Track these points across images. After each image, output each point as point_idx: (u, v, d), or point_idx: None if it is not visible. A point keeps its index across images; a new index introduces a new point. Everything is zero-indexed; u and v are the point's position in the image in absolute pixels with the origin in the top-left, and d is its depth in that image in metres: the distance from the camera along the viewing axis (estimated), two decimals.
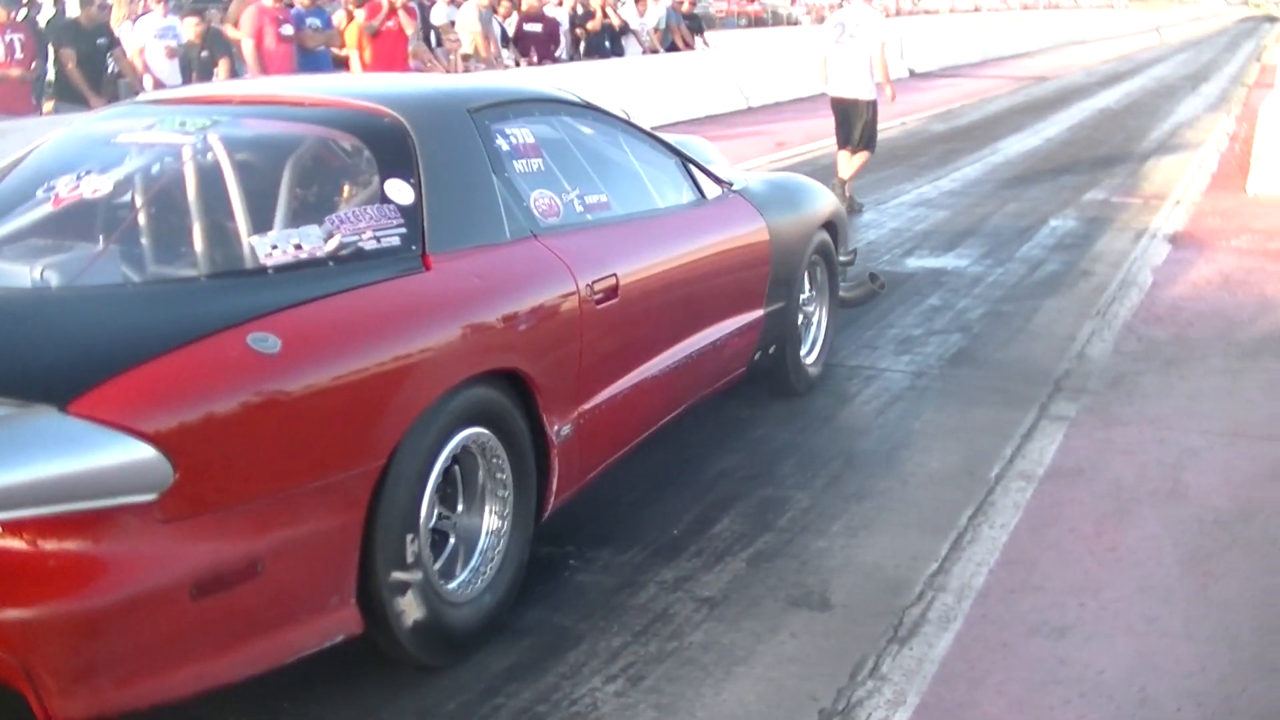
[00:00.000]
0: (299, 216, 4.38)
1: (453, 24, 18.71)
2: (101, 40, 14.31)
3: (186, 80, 14.60)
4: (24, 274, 4.05)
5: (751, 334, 6.29)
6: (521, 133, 5.08)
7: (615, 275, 4.99)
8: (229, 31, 15.35)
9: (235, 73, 14.68)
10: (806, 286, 7.07)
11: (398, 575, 3.95)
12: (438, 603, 4.15)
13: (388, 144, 4.55)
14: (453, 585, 4.30)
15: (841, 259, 7.61)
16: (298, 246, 4.09)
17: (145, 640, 3.41)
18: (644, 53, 21.68)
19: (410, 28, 16.61)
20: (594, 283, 4.85)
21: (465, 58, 18.13)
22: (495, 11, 19.07)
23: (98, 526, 3.31)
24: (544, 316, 4.60)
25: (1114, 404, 6.83)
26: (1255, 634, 4.47)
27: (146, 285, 4.19)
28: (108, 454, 3.26)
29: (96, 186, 4.52)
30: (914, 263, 10.36)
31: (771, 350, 6.59)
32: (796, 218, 6.84)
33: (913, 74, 33.46)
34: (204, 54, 14.34)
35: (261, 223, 4.29)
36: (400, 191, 4.38)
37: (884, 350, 7.86)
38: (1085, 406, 6.78)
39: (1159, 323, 8.42)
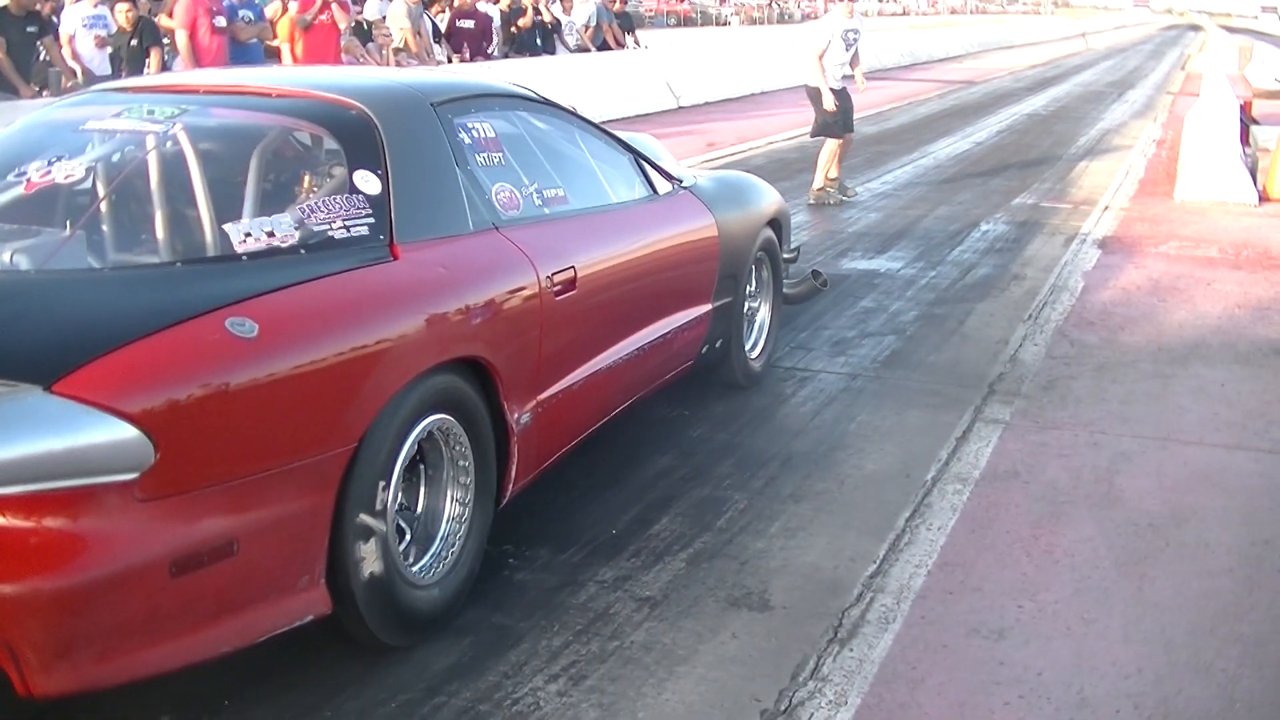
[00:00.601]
0: (269, 205, 4.49)
1: (384, 19, 18.62)
2: (32, 28, 14.16)
3: (116, 70, 14.46)
4: (6, 256, 4.17)
5: (700, 328, 6.41)
6: (482, 127, 5.19)
7: (574, 268, 5.11)
8: (163, 21, 15.22)
9: (166, 64, 14.54)
10: (752, 282, 7.20)
11: (365, 518, 4.04)
12: (402, 584, 4.22)
13: (355, 136, 4.63)
14: (416, 568, 4.38)
15: (785, 256, 7.78)
16: (270, 234, 4.18)
17: (125, 617, 3.47)
18: (575, 50, 21.66)
19: (343, 21, 16.50)
20: (553, 275, 4.96)
21: (396, 52, 18.04)
22: (427, 8, 18.99)
23: (79, 504, 3.36)
24: (506, 306, 4.70)
25: (1047, 408, 6.89)
26: (1190, 635, 4.52)
27: (123, 270, 4.28)
28: (90, 433, 3.33)
29: (68, 172, 4.58)
30: (847, 264, 10.41)
31: (718, 344, 6.70)
32: (743, 214, 6.98)
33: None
34: (134, 42, 14.18)
35: (233, 210, 4.40)
36: (368, 182, 4.46)
37: (819, 352, 7.88)
38: (1019, 410, 6.83)
39: (1090, 327, 8.49)
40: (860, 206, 13.24)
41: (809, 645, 4.38)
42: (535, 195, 5.27)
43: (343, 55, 16.79)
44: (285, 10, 16.59)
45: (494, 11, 20.90)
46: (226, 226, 4.23)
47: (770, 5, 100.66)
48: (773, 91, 27.12)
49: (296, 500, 3.83)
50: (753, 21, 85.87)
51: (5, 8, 14.32)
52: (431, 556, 4.48)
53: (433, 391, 4.31)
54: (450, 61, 18.88)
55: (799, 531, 5.28)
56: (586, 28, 21.92)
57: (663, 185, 6.40)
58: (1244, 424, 6.73)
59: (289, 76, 6.36)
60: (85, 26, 14.94)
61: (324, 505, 3.91)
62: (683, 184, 6.62)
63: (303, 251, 4.18)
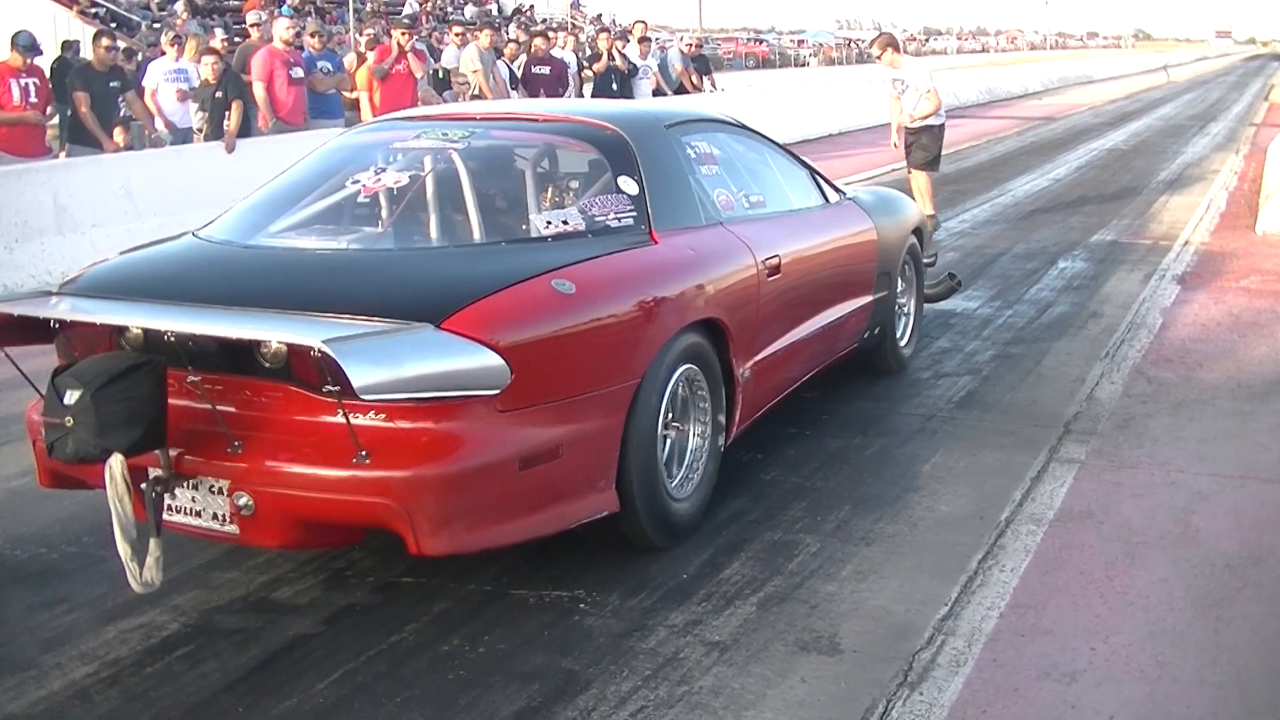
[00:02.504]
0: (556, 201, 6.10)
1: (459, 67, 18.79)
2: (114, 83, 14.41)
3: (197, 124, 14.69)
4: (372, 239, 5.62)
5: (863, 315, 7.60)
6: (701, 144, 6.54)
7: (779, 256, 6.37)
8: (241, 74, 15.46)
9: (247, 115, 14.74)
10: (900, 281, 8.34)
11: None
12: (664, 494, 5.39)
13: (615, 150, 5.97)
14: (673, 484, 5.52)
15: (925, 260, 9.07)
16: (565, 222, 5.61)
17: (487, 498, 4.64)
18: (653, 94, 21.74)
19: (419, 71, 16.70)
20: (765, 260, 6.22)
21: (472, 99, 18.20)
22: (501, 54, 19.13)
23: (458, 412, 4.56)
24: (735, 282, 5.95)
25: (1123, 446, 6.82)
26: (1267, 679, 4.46)
27: (465, 247, 5.56)
28: (468, 359, 4.53)
29: (396, 178, 5.84)
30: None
31: (876, 331, 7.90)
32: (895, 222, 8.22)
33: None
34: (219, 94, 14.40)
35: (533, 205, 5.92)
36: (629, 185, 5.79)
37: (893, 394, 7.85)
38: (1095, 449, 6.77)
39: (1168, 364, 8.41)
40: (937, 245, 13.20)
41: (878, 689, 4.35)
42: (744, 199, 6.62)
43: (419, 104, 16.97)
44: (363, 61, 16.82)
45: (569, 57, 21.03)
46: (533, 216, 5.79)
47: (849, 45, 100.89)
48: (850, 131, 27.14)
49: (600, 419, 5.02)
50: (831, 62, 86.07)
51: (89, 64, 14.61)
52: (682, 476, 5.62)
53: (685, 345, 5.48)
54: None
55: (870, 574, 5.25)
56: (655, 73, 21.94)
57: (833, 195, 7.70)
58: None
59: (547, 106, 8.37)
60: (167, 80, 15.23)
61: (617, 425, 5.09)
62: (846, 196, 7.88)
63: (589, 235, 5.52)
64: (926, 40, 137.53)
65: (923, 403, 7.65)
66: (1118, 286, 11.13)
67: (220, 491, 4.63)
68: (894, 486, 6.29)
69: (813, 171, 7.67)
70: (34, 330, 4.86)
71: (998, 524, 5.78)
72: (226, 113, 14.33)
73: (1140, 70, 73.37)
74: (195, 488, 4.68)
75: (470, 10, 44.19)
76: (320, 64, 16.02)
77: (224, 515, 4.66)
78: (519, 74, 19.36)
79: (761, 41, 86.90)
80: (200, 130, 14.75)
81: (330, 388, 4.35)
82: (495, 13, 45.94)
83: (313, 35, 16.36)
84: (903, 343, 8.44)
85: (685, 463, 5.67)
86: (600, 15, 55.71)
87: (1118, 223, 15.05)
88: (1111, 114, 36.71)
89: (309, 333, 4.31)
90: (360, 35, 20.50)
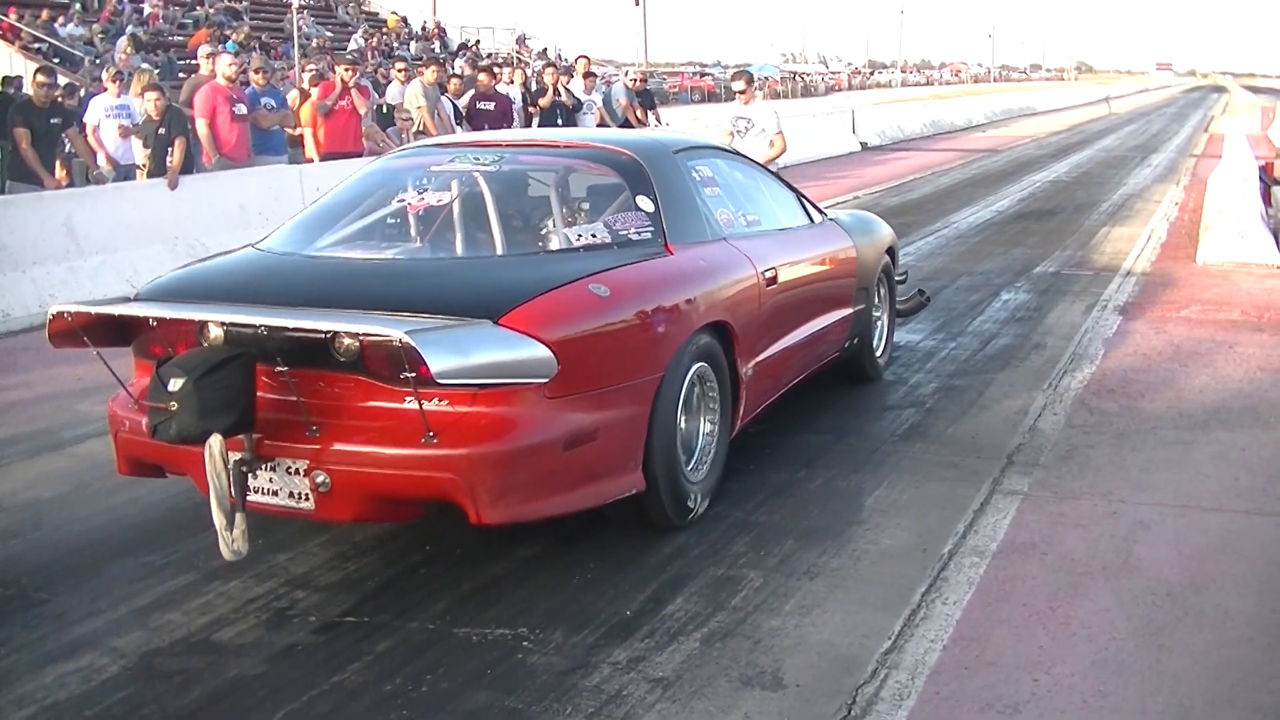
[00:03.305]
0: (581, 218, 6.69)
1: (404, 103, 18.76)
2: (55, 120, 14.33)
3: (140, 160, 14.62)
4: (421, 250, 6.40)
5: (845, 326, 8.28)
6: (703, 168, 7.24)
7: (775, 269, 7.07)
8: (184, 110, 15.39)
9: (190, 152, 14.66)
10: (876, 296, 9.06)
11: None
12: (681, 477, 6.02)
13: (632, 173, 6.66)
14: (688, 469, 6.15)
15: (896, 277, 9.75)
16: (593, 235, 6.29)
17: (537, 474, 5.28)
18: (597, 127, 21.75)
19: (363, 107, 16.67)
20: (764, 271, 6.91)
21: (417, 135, 18.17)
22: (445, 89, 19.11)
23: (513, 397, 5.21)
24: (739, 290, 6.64)
25: (1066, 478, 6.86)
26: (1208, 706, 4.48)
27: (511, 255, 6.27)
28: (522, 351, 5.18)
29: (439, 197, 6.59)
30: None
31: (855, 341, 8.58)
32: (871, 242, 8.96)
33: (865, 148, 33.74)
34: (161, 130, 14.32)
35: (561, 220, 6.52)
36: (646, 204, 6.49)
37: (837, 426, 7.86)
38: (1037, 480, 6.80)
39: (1110, 395, 8.47)
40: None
41: None
42: (742, 218, 7.32)
43: (364, 140, 16.94)
44: (306, 97, 16.77)
45: (514, 92, 21.03)
46: (565, 230, 6.40)
47: (794, 79, 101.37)
48: (795, 165, 27.27)
49: (629, 407, 5.66)
50: (776, 96, 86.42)
51: (29, 100, 14.51)
52: (695, 463, 6.26)
53: (700, 345, 6.16)
54: None
55: (814, 609, 5.25)
56: (600, 108, 21.93)
57: (816, 216, 8.46)
58: (1265, 489, 6.69)
59: (565, 135, 9.42)
60: (109, 116, 15.15)
61: (643, 414, 5.73)
62: (828, 217, 8.66)
63: (615, 247, 6.22)
64: (872, 73, 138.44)
65: (866, 435, 7.67)
66: (1060, 318, 11.21)
67: (298, 472, 5.22)
68: (838, 520, 6.29)
69: (798, 194, 8.47)
70: (111, 333, 5.58)
71: (941, 556, 5.79)
72: (170, 149, 14.25)
73: (1083, 102, 74.04)
74: (274, 469, 5.26)
75: (415, 46, 44.24)
76: (264, 100, 15.95)
77: (301, 493, 5.26)
78: (463, 110, 19.34)
79: (706, 75, 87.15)
80: (143, 167, 14.68)
81: (407, 374, 4.93)
82: (440, 48, 46.00)
83: (257, 71, 16.28)
84: (878, 352, 9.20)
85: (698, 450, 6.33)
86: (546, 50, 55.91)
87: (1060, 254, 15.17)
88: (1054, 146, 37.03)
89: (390, 327, 4.92)
90: (303, 71, 20.45)
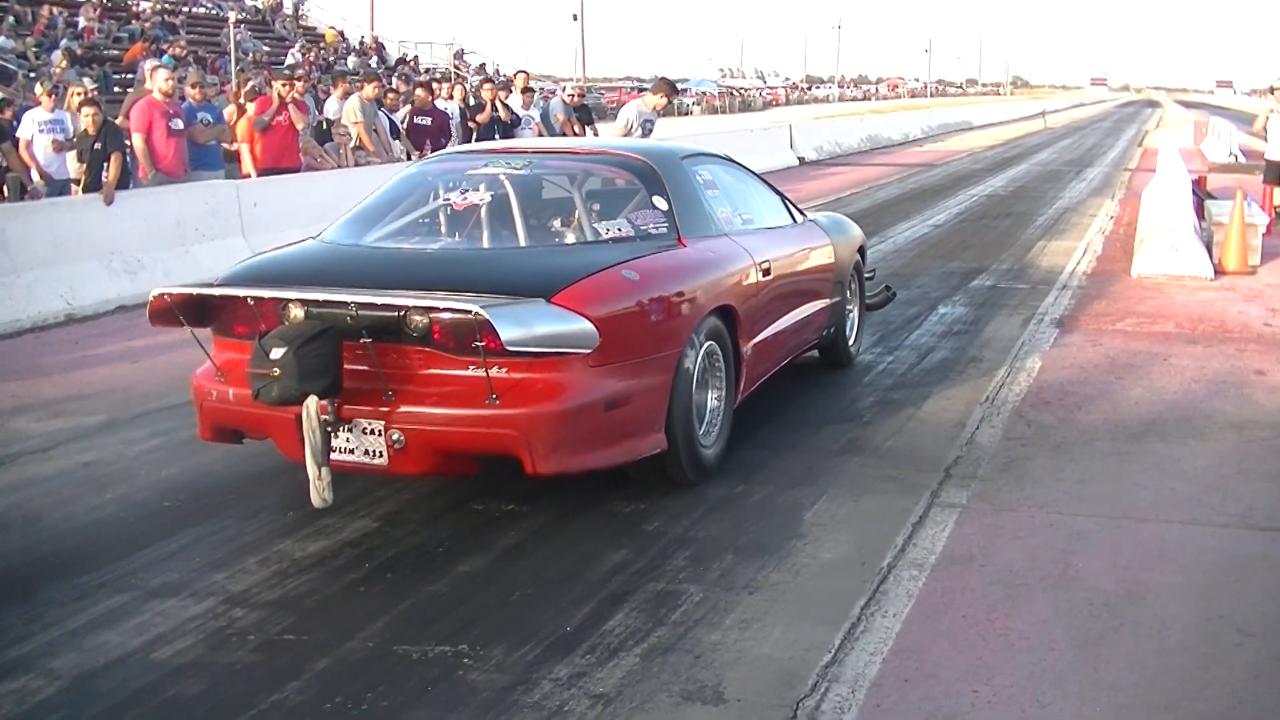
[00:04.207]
0: (606, 214, 7.46)
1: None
2: None
3: (75, 175, 14.50)
4: (468, 241, 7.25)
5: (824, 316, 9.16)
6: (705, 173, 8.22)
7: (769, 261, 7.95)
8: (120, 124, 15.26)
9: (127, 168, 14.53)
10: (849, 290, 9.89)
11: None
12: (696, 440, 6.86)
13: (647, 176, 7.57)
14: (700, 432, 6.96)
15: (865, 274, 10.62)
16: (619, 229, 7.20)
17: (584, 430, 6.13)
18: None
19: (301, 122, 16.60)
20: (760, 263, 7.79)
21: (355, 150, 18.11)
22: (382, 105, 19.06)
23: (564, 365, 6.06)
24: (741, 279, 7.51)
25: (1004, 490, 6.90)
26: (1146, 715, 4.53)
27: (552, 245, 7.19)
28: (571, 325, 6.02)
29: (481, 197, 7.38)
30: (806, 353, 10.40)
31: (832, 330, 9.43)
32: (845, 240, 9.86)
33: (803, 163, 33.86)
34: (97, 145, 14.19)
35: (588, 216, 7.38)
36: (661, 203, 7.37)
37: (776, 440, 7.87)
38: (976, 493, 6.84)
39: (1047, 407, 8.52)
40: None
41: None
42: (738, 216, 8.25)
43: (301, 156, 16.86)
44: (242, 112, 16.67)
45: (452, 108, 20.99)
46: (596, 224, 7.29)
47: (731, 94, 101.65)
48: None
49: (655, 377, 6.49)
50: (714, 110, 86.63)
51: None
52: (705, 428, 7.08)
53: (709, 325, 7.00)
54: (410, 158, 18.94)
55: (754, 623, 5.26)
56: (537, 122, 21.90)
57: (798, 217, 9.33)
58: (1200, 499, 6.75)
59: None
60: (42, 131, 15.02)
61: (666, 383, 6.55)
62: (807, 217, 9.51)
63: (637, 240, 7.12)
64: (809, 88, 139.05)
65: (805, 449, 7.69)
66: (997, 331, 11.28)
67: (374, 432, 6.07)
68: (777, 534, 6.30)
69: (782, 196, 9.37)
70: (199, 314, 6.41)
71: (880, 569, 5.81)
72: (106, 164, 14.13)
73: (1019, 117, 74.61)
74: (350, 430, 6.10)
75: (353, 60, 44.09)
76: (201, 115, 15.83)
77: (375, 451, 6.10)
78: (401, 125, 19.29)
79: (644, 91, 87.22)
80: (78, 181, 14.55)
81: (476, 344, 5.76)
82: (378, 63, 45.86)
83: (194, 86, 16.17)
84: (851, 341, 10.04)
85: (708, 417, 7.13)
86: (484, 65, 55.83)
87: (997, 267, 15.26)
88: (991, 160, 37.29)
89: (465, 303, 5.76)
90: (238, 87, 20.31)
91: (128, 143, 14.93)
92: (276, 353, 5.86)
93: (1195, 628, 5.23)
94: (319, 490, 6.04)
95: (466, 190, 7.44)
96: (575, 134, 21.95)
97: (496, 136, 19.65)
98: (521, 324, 5.81)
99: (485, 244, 7.22)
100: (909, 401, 8.79)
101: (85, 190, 14.29)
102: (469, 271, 6.53)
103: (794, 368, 8.82)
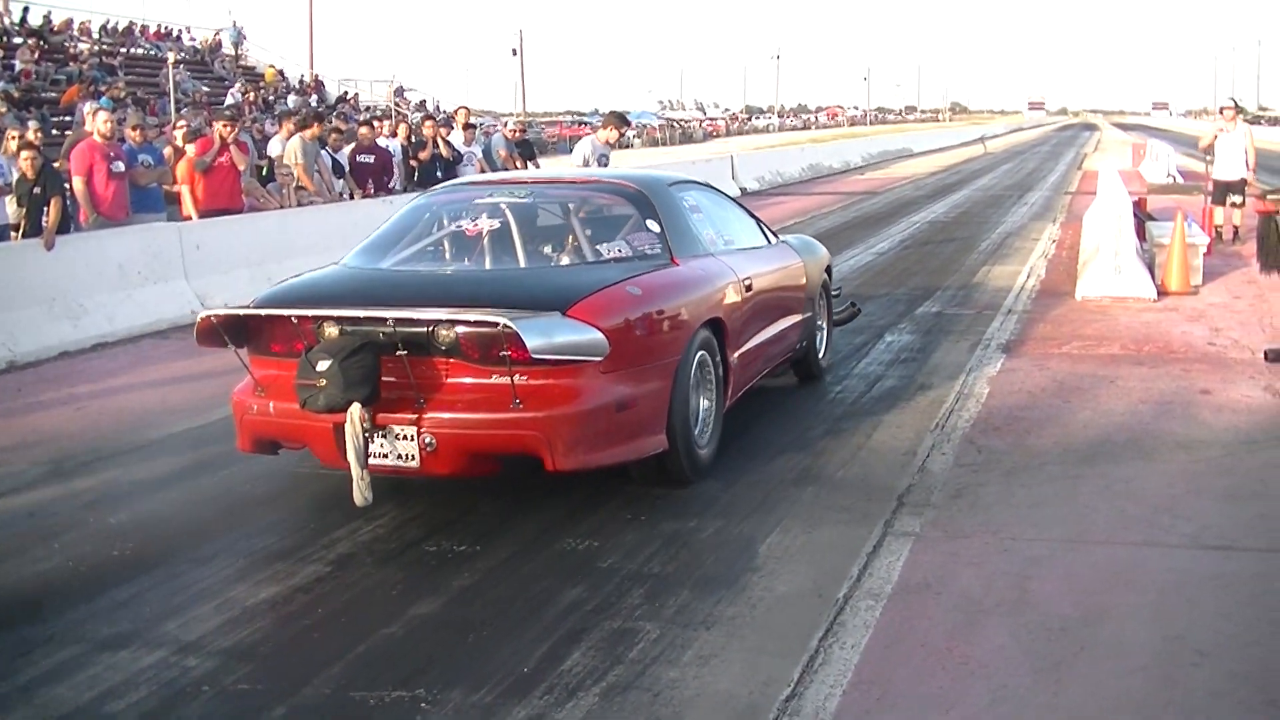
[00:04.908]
0: (605, 236, 8.08)
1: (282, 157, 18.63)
2: None
3: (14, 220, 14.33)
4: (481, 264, 7.80)
5: (797, 330, 9.83)
6: (690, 198, 8.94)
7: (751, 277, 8.65)
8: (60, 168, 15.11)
9: (67, 212, 14.37)
10: (818, 306, 10.57)
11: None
12: (693, 441, 7.50)
13: (640, 201, 8.29)
14: (696, 433, 7.57)
15: (833, 292, 11.41)
16: (619, 250, 7.86)
17: (597, 431, 6.76)
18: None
19: (242, 163, 16.50)
20: (743, 280, 8.49)
21: (297, 190, 18.04)
22: (324, 144, 19.00)
23: (579, 371, 6.69)
24: (727, 294, 8.17)
25: (957, 516, 6.90)
26: None
27: (563, 266, 7.79)
28: (585, 335, 6.65)
29: (491, 224, 8.03)
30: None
31: (804, 344, 10.09)
32: (815, 260, 10.60)
33: (744, 193, 33.95)
34: (36, 190, 14.02)
35: (587, 239, 8.02)
36: (654, 225, 8.07)
37: (727, 473, 7.85)
38: (929, 520, 6.84)
39: (997, 433, 8.55)
40: None
41: None
42: (720, 238, 8.90)
43: (243, 197, 16.76)
44: (181, 154, 16.56)
45: (395, 145, 20.95)
46: (597, 246, 7.90)
47: (672, 126, 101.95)
48: None
49: (657, 382, 7.11)
50: (655, 143, 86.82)
51: None
52: (700, 429, 7.68)
53: (701, 337, 7.60)
54: (352, 197, 18.88)
55: (712, 659, 5.23)
56: (480, 160, 21.86)
57: (772, 238, 10.05)
58: (1151, 520, 6.78)
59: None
60: None
61: (666, 388, 7.17)
62: (780, 239, 10.20)
63: (635, 259, 7.76)
64: (749, 118, 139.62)
65: (756, 482, 7.67)
66: (945, 357, 11.31)
67: (406, 437, 6.68)
68: (732, 567, 6.28)
69: (756, 219, 10.10)
70: (240, 335, 7.08)
71: (837, 600, 5.79)
72: (45, 209, 13.98)
73: (959, 143, 75.13)
74: (384, 436, 6.72)
75: (293, 99, 43.94)
76: (142, 157, 15.72)
77: (408, 454, 6.71)
78: (345, 163, 19.24)
79: (585, 124, 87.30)
80: (17, 227, 14.39)
81: (503, 353, 6.41)
82: (318, 101, 45.72)
83: (134, 128, 16.06)
84: (821, 354, 10.76)
85: (702, 420, 7.72)
86: (424, 102, 55.79)
87: (942, 294, 15.33)
88: (932, 186, 37.52)
89: (493, 316, 6.38)
90: (175, 129, 20.17)
91: (68, 186, 14.77)
92: (322, 365, 6.52)
93: (1152, 649, 5.24)
94: (361, 490, 6.63)
95: (475, 217, 8.10)
96: (517, 169, 21.97)
97: (439, 174, 19.60)
98: (544, 334, 6.42)
99: (498, 265, 7.80)
100: (860, 430, 8.80)
101: (24, 235, 14.11)
102: (487, 289, 7.20)
103: (745, 396, 8.79)
